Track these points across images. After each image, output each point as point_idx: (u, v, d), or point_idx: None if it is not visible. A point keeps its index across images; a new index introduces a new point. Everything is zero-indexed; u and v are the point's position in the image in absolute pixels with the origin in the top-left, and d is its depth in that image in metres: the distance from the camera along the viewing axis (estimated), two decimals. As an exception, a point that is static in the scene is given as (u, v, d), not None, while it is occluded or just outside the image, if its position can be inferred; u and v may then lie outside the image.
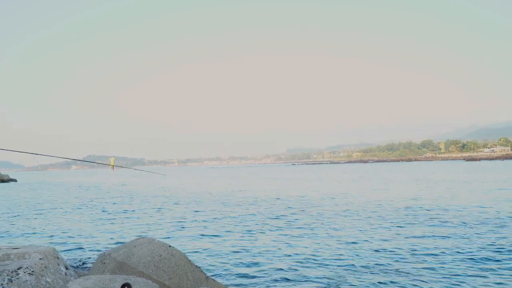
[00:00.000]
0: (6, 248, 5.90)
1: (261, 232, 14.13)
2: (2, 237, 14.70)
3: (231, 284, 8.21)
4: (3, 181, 70.12)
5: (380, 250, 10.70)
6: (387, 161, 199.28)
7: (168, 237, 13.70)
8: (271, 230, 14.44)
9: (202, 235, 14.00)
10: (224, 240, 13.03)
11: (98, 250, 11.80)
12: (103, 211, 22.20)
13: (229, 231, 14.53)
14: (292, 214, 18.47)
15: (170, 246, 6.74)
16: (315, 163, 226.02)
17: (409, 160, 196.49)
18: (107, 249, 10.30)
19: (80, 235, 14.60)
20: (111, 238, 14.03)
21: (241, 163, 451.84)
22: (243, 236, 13.52)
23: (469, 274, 8.45)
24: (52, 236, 14.69)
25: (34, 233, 15.34)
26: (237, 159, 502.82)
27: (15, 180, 75.35)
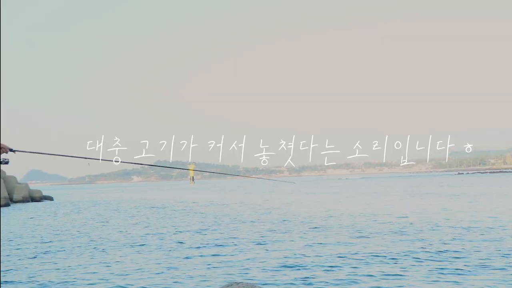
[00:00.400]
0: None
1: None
2: None
3: None
4: (33, 199, 50.58)
5: None
6: None
7: (273, 284, 9.55)
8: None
9: (326, 282, 9.48)
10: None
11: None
12: (179, 242, 15.89)
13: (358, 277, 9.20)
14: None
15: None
16: (494, 172, 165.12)
17: None
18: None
19: (150, 279, 10.94)
20: (196, 286, 10.07)
21: (381, 172, 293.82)
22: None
23: None
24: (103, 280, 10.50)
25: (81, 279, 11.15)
26: (373, 165, 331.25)
27: (50, 198, 54.22)
